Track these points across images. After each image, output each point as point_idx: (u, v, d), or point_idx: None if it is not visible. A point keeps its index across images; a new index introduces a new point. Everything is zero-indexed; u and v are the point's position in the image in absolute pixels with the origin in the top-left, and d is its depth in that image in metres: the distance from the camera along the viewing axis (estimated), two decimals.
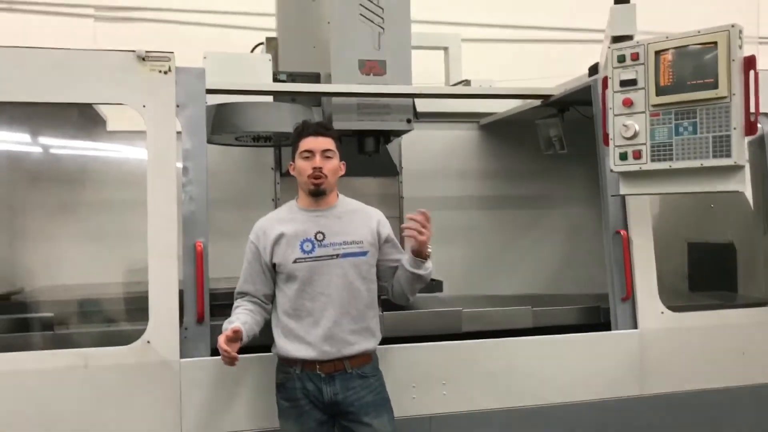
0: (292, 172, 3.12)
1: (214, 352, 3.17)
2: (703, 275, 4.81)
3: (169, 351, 3.13)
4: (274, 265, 3.03)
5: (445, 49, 5.32)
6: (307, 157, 3.01)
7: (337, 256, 2.99)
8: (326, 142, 3.02)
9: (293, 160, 3.09)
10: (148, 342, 3.10)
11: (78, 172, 4.55)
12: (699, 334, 3.73)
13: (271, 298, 3.09)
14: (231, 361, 2.81)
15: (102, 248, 4.34)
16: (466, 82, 4.90)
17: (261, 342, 3.32)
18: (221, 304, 3.39)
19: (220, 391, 3.20)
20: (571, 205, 5.06)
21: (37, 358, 3.07)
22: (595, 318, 3.83)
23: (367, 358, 3.06)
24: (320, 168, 2.98)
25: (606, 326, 3.72)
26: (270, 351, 3.09)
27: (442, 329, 3.59)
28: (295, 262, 2.98)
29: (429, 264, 3.08)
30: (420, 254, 3.03)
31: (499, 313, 3.72)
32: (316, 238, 3.00)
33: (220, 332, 3.09)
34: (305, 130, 3.06)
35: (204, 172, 3.30)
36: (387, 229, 3.15)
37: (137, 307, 3.31)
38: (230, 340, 2.79)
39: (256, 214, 4.55)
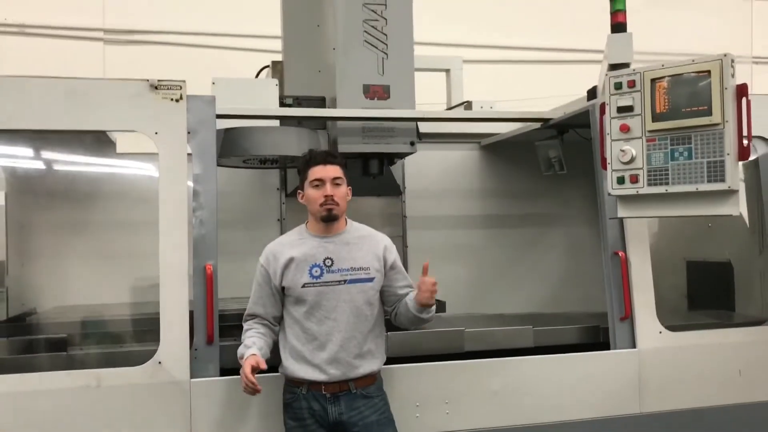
0: (301, 201, 3.21)
1: (224, 372, 3.30)
2: (702, 294, 4.88)
3: (180, 371, 3.21)
4: (283, 288, 3.11)
5: (447, 71, 5.44)
6: (317, 186, 3.10)
7: (345, 281, 3.09)
8: (335, 170, 3.12)
9: (302, 189, 3.18)
10: (159, 362, 3.19)
11: (88, 192, 4.64)
12: (696, 353, 3.80)
13: (280, 320, 3.18)
14: (254, 391, 2.92)
15: (113, 268, 4.43)
16: (468, 104, 5.00)
17: (268, 362, 3.41)
18: (230, 325, 3.49)
19: (230, 410, 3.28)
20: (571, 225, 5.14)
21: (51, 379, 3.15)
22: (594, 337, 3.90)
23: (372, 378, 3.15)
24: (331, 196, 3.08)
25: (605, 345, 3.79)
26: (277, 371, 3.17)
27: (445, 349, 3.66)
28: (303, 286, 3.07)
29: (433, 308, 3.20)
30: (427, 306, 3.13)
31: (500, 332, 3.79)
32: (324, 263, 3.10)
33: (229, 353, 3.22)
34: (313, 159, 3.15)
35: (214, 197, 3.39)
36: (393, 255, 3.24)
37: (149, 329, 3.39)
38: (254, 371, 2.90)
39: (263, 234, 4.71)
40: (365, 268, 3.14)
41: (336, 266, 3.10)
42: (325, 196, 3.08)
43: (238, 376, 3.26)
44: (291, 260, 3.10)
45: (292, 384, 3.11)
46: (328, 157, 3.17)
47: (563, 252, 5.16)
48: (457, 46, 6.25)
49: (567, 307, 4.81)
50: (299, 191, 3.21)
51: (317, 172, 3.11)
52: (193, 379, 3.23)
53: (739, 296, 4.55)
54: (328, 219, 3.11)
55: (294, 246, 3.15)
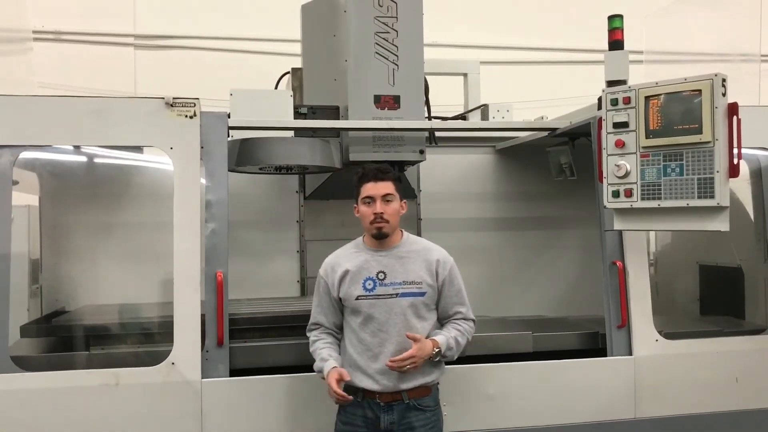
0: (357, 215, 3.28)
1: (233, 372, 3.51)
2: (714, 299, 4.92)
3: (192, 372, 3.43)
4: (340, 299, 3.24)
5: (465, 75, 5.52)
6: (368, 203, 3.19)
7: (397, 295, 3.16)
8: (386, 186, 3.19)
9: (356, 203, 3.26)
10: (173, 363, 3.41)
11: (120, 193, 4.85)
12: (693, 361, 3.88)
13: (341, 327, 3.30)
14: (346, 400, 3.05)
15: (143, 267, 4.62)
16: (485, 107, 5.10)
17: (274, 363, 3.62)
18: (240, 329, 3.70)
19: (239, 409, 3.49)
20: (584, 227, 5.15)
21: (74, 376, 3.41)
22: (593, 343, 4.00)
23: (426, 390, 3.20)
24: (381, 214, 3.15)
25: (604, 351, 3.89)
26: (281, 372, 3.38)
27: None
28: (357, 298, 3.17)
29: (449, 352, 3.19)
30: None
31: (500, 338, 3.92)
32: (377, 277, 3.18)
33: (239, 354, 3.50)
34: (365, 176, 3.22)
35: (225, 208, 3.59)
36: (446, 270, 3.25)
37: (165, 330, 3.61)
38: (339, 383, 3.03)
39: (282, 236, 4.93)
40: (417, 282, 3.18)
41: (388, 280, 3.17)
42: (375, 214, 3.15)
43: (247, 377, 3.51)
44: (346, 272, 3.20)
45: (349, 390, 3.13)
46: (379, 173, 3.21)
47: (576, 254, 5.21)
48: (476, 48, 6.32)
49: (579, 309, 4.89)
50: (355, 205, 3.28)
51: (368, 189, 3.18)
52: (204, 380, 3.45)
53: (749, 303, 4.59)
54: (379, 236, 3.20)
55: (350, 259, 3.25)
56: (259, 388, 3.51)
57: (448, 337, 3.17)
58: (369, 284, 3.17)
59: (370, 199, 3.18)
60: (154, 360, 3.46)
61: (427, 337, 3.16)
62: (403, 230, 3.33)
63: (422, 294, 3.19)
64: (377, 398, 3.14)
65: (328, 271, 3.27)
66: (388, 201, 3.18)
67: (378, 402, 3.14)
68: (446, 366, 3.64)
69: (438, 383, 3.29)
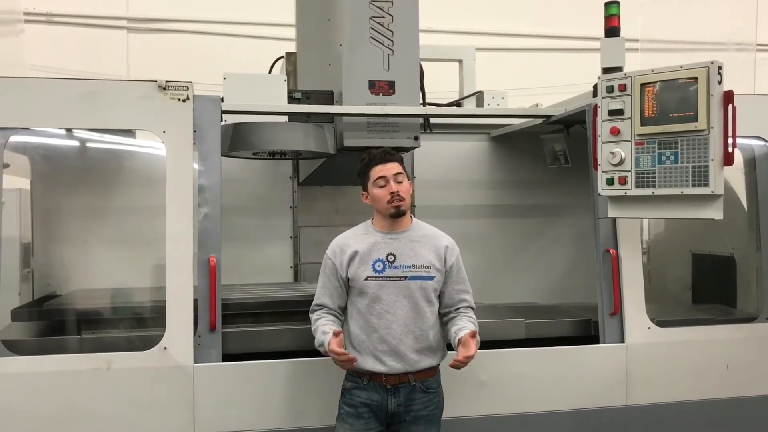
0: (365, 201, 3.30)
1: (225, 357, 3.50)
2: (706, 287, 4.94)
3: (184, 356, 3.42)
4: (347, 279, 3.23)
5: (460, 61, 5.51)
6: (382, 186, 3.20)
7: (406, 278, 3.18)
8: (395, 167, 3.22)
9: (365, 190, 3.28)
10: (165, 348, 3.40)
11: (112, 177, 4.82)
12: (684, 348, 3.90)
13: (344, 310, 3.30)
14: (350, 361, 3.03)
15: (135, 252, 4.61)
16: (479, 94, 5.08)
17: (267, 348, 3.61)
18: (232, 314, 3.69)
19: (231, 393, 3.49)
20: (578, 215, 5.17)
21: (65, 360, 3.40)
22: (586, 330, 4.02)
23: (432, 371, 3.26)
24: (397, 192, 3.18)
25: (597, 339, 3.90)
26: (277, 357, 3.39)
27: None
28: (366, 279, 3.18)
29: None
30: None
31: (493, 324, 3.91)
32: (387, 259, 3.20)
33: (231, 339, 3.50)
34: (373, 159, 3.25)
35: (218, 193, 3.57)
36: (454, 257, 3.30)
37: (157, 315, 3.60)
38: (340, 345, 3.01)
39: (275, 221, 4.92)
40: (426, 267, 3.21)
41: (398, 262, 3.19)
42: (391, 193, 3.17)
43: (239, 362, 3.50)
44: (356, 253, 3.21)
45: (354, 374, 3.21)
46: (387, 155, 3.26)
47: (569, 242, 5.23)
48: (472, 34, 6.30)
49: (572, 296, 4.92)
50: (363, 192, 3.30)
51: (379, 171, 3.21)
52: (196, 364, 3.44)
53: (740, 291, 4.61)
54: (397, 215, 3.20)
55: (359, 240, 3.26)
56: (251, 374, 3.50)
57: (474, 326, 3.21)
58: (379, 266, 3.18)
59: (384, 180, 3.19)
60: (146, 345, 3.44)
61: (437, 322, 3.24)
62: (412, 215, 3.35)
63: (431, 278, 3.21)
64: (383, 381, 3.15)
65: (336, 252, 3.27)
66: (399, 181, 3.20)
67: (384, 385, 3.16)
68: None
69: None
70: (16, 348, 3.43)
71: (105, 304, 4.00)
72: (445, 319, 3.31)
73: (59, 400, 3.34)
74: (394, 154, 3.29)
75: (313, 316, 3.29)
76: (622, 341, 3.83)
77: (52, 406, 3.33)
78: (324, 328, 3.16)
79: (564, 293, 5.04)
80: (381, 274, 3.18)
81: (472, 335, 3.08)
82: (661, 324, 3.89)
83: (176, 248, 3.46)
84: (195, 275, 3.50)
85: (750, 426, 4.00)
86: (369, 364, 3.15)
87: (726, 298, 4.67)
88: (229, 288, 4.11)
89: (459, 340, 3.09)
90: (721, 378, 3.93)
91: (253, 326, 3.76)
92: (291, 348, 3.61)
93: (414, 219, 3.36)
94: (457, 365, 3.05)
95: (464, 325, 3.18)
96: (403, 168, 3.27)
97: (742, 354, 3.96)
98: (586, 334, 4.01)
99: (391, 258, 3.20)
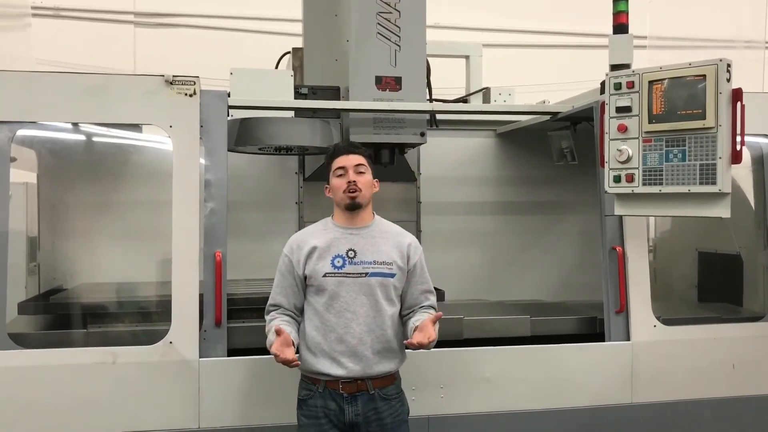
0: (327, 194, 3.19)
1: (231, 352, 3.51)
2: (712, 286, 4.93)
3: (189, 351, 3.43)
4: (305, 278, 3.10)
5: (467, 57, 5.49)
6: (340, 175, 3.10)
7: (366, 274, 3.05)
8: (358, 159, 3.12)
9: (328, 183, 3.17)
10: (171, 342, 3.41)
11: (118, 171, 4.84)
12: (690, 347, 3.89)
13: (302, 311, 3.15)
14: (291, 362, 2.86)
15: (142, 246, 4.62)
16: (486, 90, 5.07)
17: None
18: (238, 309, 3.70)
19: (235, 388, 3.50)
20: (584, 212, 5.16)
21: (71, 354, 3.41)
22: (591, 328, 4.00)
23: (391, 379, 3.12)
24: (354, 182, 3.06)
25: (602, 336, 3.89)
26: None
27: (444, 336, 3.72)
28: (324, 276, 3.04)
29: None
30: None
31: (498, 321, 3.92)
32: (347, 255, 3.07)
33: (237, 334, 3.49)
34: (337, 150, 3.18)
35: (224, 188, 3.57)
36: (417, 255, 3.18)
37: (163, 309, 3.60)
38: (282, 345, 2.87)
39: (281, 216, 4.91)
40: (388, 263, 3.08)
41: (359, 258, 3.06)
42: (348, 182, 3.06)
43: (244, 357, 3.51)
44: (314, 249, 3.08)
45: (309, 381, 3.08)
46: (351, 147, 3.19)
47: (575, 239, 5.21)
48: (479, 30, 6.28)
49: (577, 294, 4.90)
50: (326, 186, 3.20)
51: (340, 161, 3.11)
52: (201, 359, 3.45)
53: (747, 290, 4.59)
54: (352, 207, 3.08)
55: (318, 236, 3.13)
56: (256, 368, 3.50)
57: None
58: (338, 261, 3.05)
59: (342, 170, 3.09)
60: (152, 339, 3.45)
61: (398, 323, 3.12)
62: (375, 213, 3.24)
63: (392, 275, 3.09)
64: (340, 388, 3.02)
65: (293, 248, 3.14)
66: (361, 172, 3.10)
67: (341, 393, 3.02)
68: (444, 349, 3.67)
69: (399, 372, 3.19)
70: (22, 341, 3.44)
71: (111, 298, 4.02)
72: (405, 318, 3.18)
73: (65, 394, 3.35)
74: (360, 147, 3.20)
75: (267, 317, 3.15)
76: (628, 339, 3.82)
77: (57, 399, 3.34)
78: (276, 329, 2.98)
79: (570, 290, 5.03)
80: (340, 270, 3.04)
81: (433, 321, 2.96)
82: (667, 322, 3.88)
83: (182, 243, 3.46)
84: (201, 270, 3.50)
85: (756, 425, 3.99)
86: (326, 367, 3.01)
87: (732, 296, 4.66)
88: (235, 283, 4.12)
89: (417, 326, 2.97)
90: (727, 377, 3.92)
91: (258, 321, 3.73)
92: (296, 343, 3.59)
93: (376, 216, 3.22)
94: (412, 345, 2.89)
95: (422, 317, 3.05)
96: (369, 164, 3.16)
97: (748, 353, 3.95)
98: (592, 331, 3.99)
99: (351, 254, 3.07)
